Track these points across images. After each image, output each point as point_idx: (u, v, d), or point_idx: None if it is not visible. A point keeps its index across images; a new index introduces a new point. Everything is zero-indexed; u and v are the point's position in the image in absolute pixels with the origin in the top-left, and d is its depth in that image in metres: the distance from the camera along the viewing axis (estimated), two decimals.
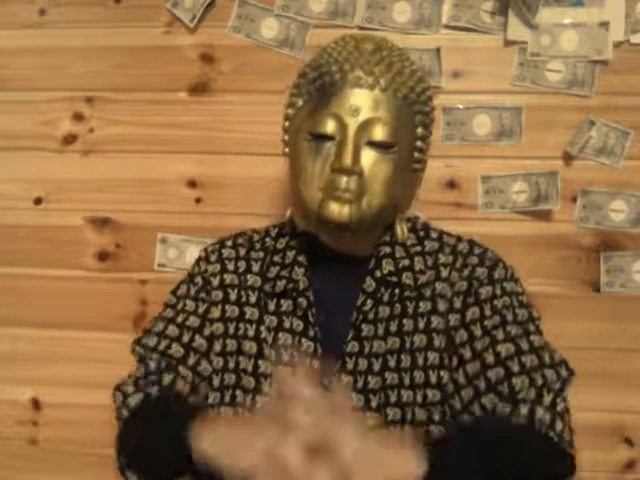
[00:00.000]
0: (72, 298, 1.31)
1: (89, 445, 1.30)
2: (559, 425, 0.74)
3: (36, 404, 1.33)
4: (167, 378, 0.83)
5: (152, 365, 0.84)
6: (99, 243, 1.31)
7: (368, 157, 0.78)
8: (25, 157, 1.31)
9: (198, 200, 1.28)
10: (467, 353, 0.81)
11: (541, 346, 0.80)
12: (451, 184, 1.23)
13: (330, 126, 0.79)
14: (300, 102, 0.84)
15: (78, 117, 1.30)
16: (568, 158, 1.21)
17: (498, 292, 0.83)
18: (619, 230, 1.21)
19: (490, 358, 0.79)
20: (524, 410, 0.74)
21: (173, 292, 0.92)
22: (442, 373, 0.81)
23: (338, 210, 0.77)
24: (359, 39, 0.83)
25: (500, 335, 0.80)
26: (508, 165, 1.22)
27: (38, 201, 1.32)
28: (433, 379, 0.81)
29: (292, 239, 0.89)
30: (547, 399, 0.75)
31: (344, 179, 0.77)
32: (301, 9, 1.23)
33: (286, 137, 0.86)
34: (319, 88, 0.81)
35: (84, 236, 1.31)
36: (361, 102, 0.78)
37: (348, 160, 0.76)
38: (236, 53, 1.26)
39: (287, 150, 0.86)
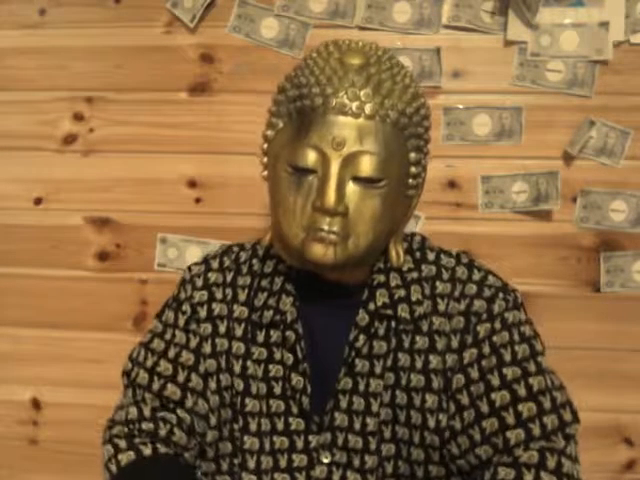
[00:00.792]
0: (72, 298, 1.31)
1: (89, 445, 1.30)
2: None
3: (36, 404, 1.33)
4: (164, 430, 0.78)
5: (146, 411, 0.80)
6: (99, 243, 1.31)
7: (353, 194, 0.71)
8: (25, 157, 1.31)
9: (198, 200, 1.28)
10: (464, 399, 0.76)
11: (541, 389, 0.74)
12: (451, 184, 1.23)
13: (311, 159, 0.71)
14: (280, 124, 0.76)
15: (78, 117, 1.30)
16: (568, 158, 1.21)
17: (497, 326, 0.77)
18: (619, 230, 1.21)
19: (484, 407, 0.74)
20: (529, 478, 0.69)
21: (159, 317, 0.87)
22: (440, 417, 0.77)
23: (322, 252, 0.70)
24: (344, 50, 0.74)
25: (495, 381, 0.75)
26: (508, 165, 1.22)
27: (38, 201, 1.32)
28: (431, 423, 0.77)
29: (279, 263, 0.82)
30: (552, 462, 0.70)
31: (327, 219, 0.70)
32: (301, 9, 1.23)
33: (265, 160, 0.79)
34: (299, 111, 0.72)
35: (84, 236, 1.31)
36: (345, 133, 0.70)
37: (331, 200, 0.69)
38: (236, 53, 1.26)
39: (266, 173, 0.79)
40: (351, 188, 0.71)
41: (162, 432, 0.78)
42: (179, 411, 0.80)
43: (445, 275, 0.81)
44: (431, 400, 0.77)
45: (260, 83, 1.24)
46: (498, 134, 1.22)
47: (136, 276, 1.30)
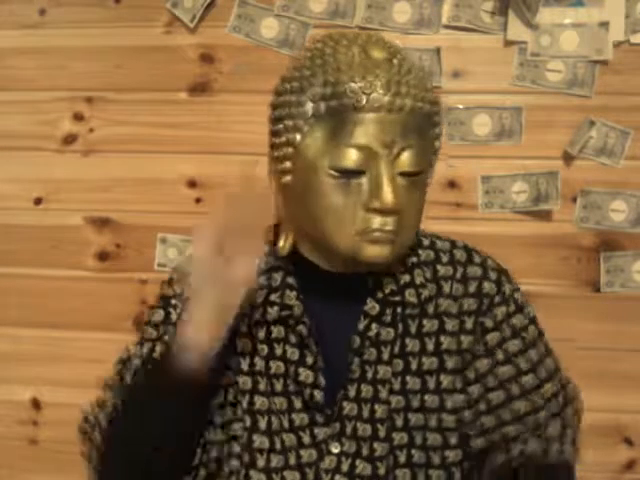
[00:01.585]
0: (72, 298, 1.31)
1: None
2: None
3: (36, 404, 1.33)
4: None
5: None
6: (99, 243, 1.31)
7: (402, 189, 0.70)
8: (25, 157, 1.31)
9: (198, 200, 1.28)
10: (491, 381, 0.78)
11: (554, 369, 0.81)
12: (451, 184, 1.23)
13: (359, 160, 0.69)
14: (305, 126, 0.71)
15: (78, 117, 1.30)
16: (568, 158, 1.21)
17: (512, 308, 0.80)
18: (619, 230, 1.21)
19: (515, 389, 0.78)
20: (554, 448, 0.76)
21: (147, 323, 0.84)
22: (456, 397, 0.77)
23: (378, 252, 0.70)
24: (362, 44, 0.72)
25: (524, 364, 0.79)
26: (508, 165, 1.22)
27: (38, 201, 1.32)
28: (449, 404, 0.77)
29: (276, 260, 0.80)
30: (569, 437, 0.78)
31: (382, 219, 0.69)
32: (301, 9, 1.23)
33: (288, 165, 0.73)
34: (333, 110, 0.69)
35: (84, 236, 1.31)
36: (392, 129, 0.69)
37: (390, 199, 0.68)
38: (236, 53, 1.26)
39: (288, 178, 0.74)
40: (400, 184, 0.70)
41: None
42: None
43: (444, 258, 0.81)
44: (446, 381, 0.77)
45: (260, 83, 1.24)
46: (498, 134, 1.22)
47: (136, 276, 1.30)
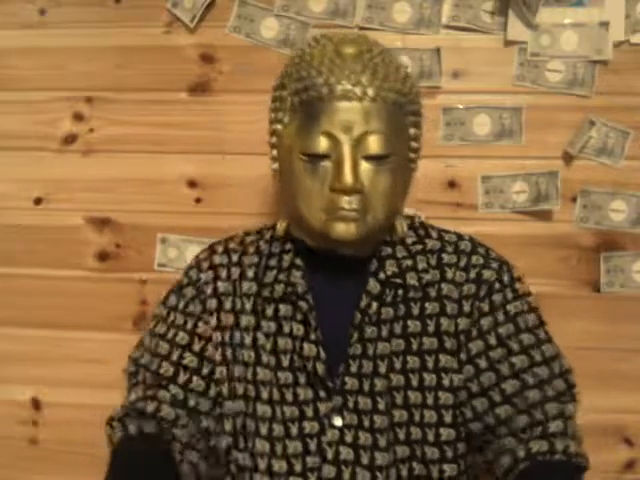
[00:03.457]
0: (72, 298, 1.31)
1: (89, 445, 1.30)
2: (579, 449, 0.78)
3: (36, 404, 1.33)
4: (151, 407, 0.82)
5: (140, 391, 0.85)
6: (99, 243, 1.31)
7: (366, 171, 0.77)
8: (25, 157, 1.31)
9: (198, 200, 1.28)
10: (483, 363, 0.82)
11: (552, 356, 0.83)
12: (451, 184, 1.23)
13: (323, 145, 0.76)
14: (286, 118, 0.80)
15: (78, 117, 1.30)
16: (568, 158, 1.21)
17: (510, 296, 0.84)
18: (619, 230, 1.21)
19: (505, 370, 0.80)
20: (560, 446, 0.76)
21: (163, 302, 0.91)
22: (453, 376, 0.82)
23: (345, 229, 0.77)
24: (336, 41, 0.80)
25: (515, 346, 0.81)
26: (508, 165, 1.22)
27: (38, 201, 1.32)
28: (446, 382, 0.81)
29: (287, 242, 0.87)
30: (571, 429, 0.78)
31: (346, 198, 0.76)
32: (301, 9, 1.23)
33: (274, 153, 0.84)
34: (305, 102, 0.78)
35: (84, 236, 1.31)
36: (352, 116, 0.76)
37: (348, 179, 0.75)
38: (236, 53, 1.26)
39: (276, 166, 0.84)
40: (363, 166, 0.77)
41: (149, 409, 0.82)
42: (171, 387, 0.84)
43: (449, 248, 0.87)
44: (444, 360, 0.82)
45: (260, 83, 1.24)
46: (498, 134, 1.22)
47: (136, 276, 1.30)
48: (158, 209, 1.29)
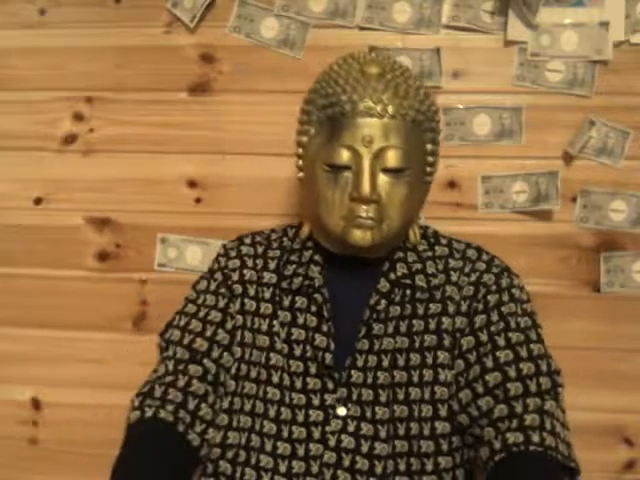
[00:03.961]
0: (72, 298, 1.31)
1: (89, 445, 1.30)
2: (562, 446, 0.77)
3: (36, 404, 1.33)
4: (182, 381, 0.85)
5: (170, 365, 0.87)
6: (99, 243, 1.31)
7: (384, 183, 0.82)
8: (25, 157, 1.31)
9: (198, 200, 1.28)
10: (472, 357, 0.85)
11: (540, 355, 0.83)
12: (451, 184, 1.23)
13: (345, 157, 0.82)
14: (312, 130, 0.86)
15: (78, 117, 1.30)
16: (568, 158, 1.21)
17: (505, 298, 0.87)
18: (619, 230, 1.21)
19: (489, 363, 0.83)
20: (536, 438, 0.76)
21: (194, 287, 0.96)
22: (448, 372, 0.85)
23: (361, 236, 0.82)
24: (362, 62, 0.86)
25: (501, 342, 0.84)
26: (508, 165, 1.22)
27: (38, 201, 1.32)
28: (442, 377, 0.85)
29: (308, 240, 0.94)
30: (548, 424, 0.77)
31: (363, 207, 0.82)
32: (301, 9, 1.23)
33: (300, 162, 0.89)
34: (330, 117, 0.84)
35: (84, 236, 1.31)
36: (373, 131, 0.81)
37: (366, 189, 0.80)
38: (236, 53, 1.26)
39: (301, 174, 0.90)
40: (382, 179, 0.82)
41: (180, 383, 0.85)
42: (205, 361, 0.87)
43: (457, 255, 0.93)
44: (442, 357, 0.86)
45: (260, 83, 1.24)
46: (498, 134, 1.22)
47: (136, 276, 1.30)
48: (158, 209, 1.29)
